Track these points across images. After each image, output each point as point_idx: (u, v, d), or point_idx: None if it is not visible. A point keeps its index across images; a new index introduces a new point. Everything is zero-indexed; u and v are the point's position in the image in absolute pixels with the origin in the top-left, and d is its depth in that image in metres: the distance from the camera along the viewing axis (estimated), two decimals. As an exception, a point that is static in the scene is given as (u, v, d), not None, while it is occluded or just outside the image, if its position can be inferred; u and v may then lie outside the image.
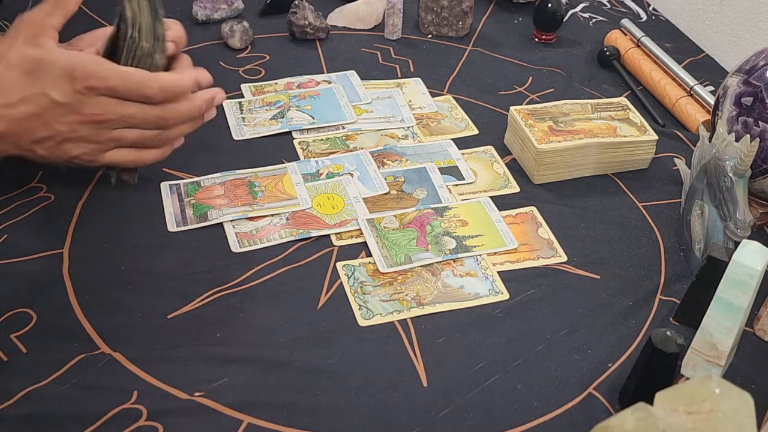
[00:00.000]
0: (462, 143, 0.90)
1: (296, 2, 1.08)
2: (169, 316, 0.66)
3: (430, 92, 0.99)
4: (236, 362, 0.63)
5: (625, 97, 0.99)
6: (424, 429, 0.59)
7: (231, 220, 0.76)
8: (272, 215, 0.77)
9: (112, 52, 0.62)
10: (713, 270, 0.65)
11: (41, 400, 0.59)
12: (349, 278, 0.71)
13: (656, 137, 0.86)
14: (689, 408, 0.54)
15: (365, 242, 0.75)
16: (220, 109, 0.93)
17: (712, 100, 0.95)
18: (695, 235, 0.76)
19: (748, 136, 0.70)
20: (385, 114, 0.94)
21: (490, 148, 0.90)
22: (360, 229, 0.76)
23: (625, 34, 1.12)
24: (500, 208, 0.80)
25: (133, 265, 0.71)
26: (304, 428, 0.59)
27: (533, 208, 0.81)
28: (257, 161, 0.85)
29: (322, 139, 0.89)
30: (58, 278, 0.69)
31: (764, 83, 0.75)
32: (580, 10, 1.24)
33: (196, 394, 0.60)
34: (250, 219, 0.77)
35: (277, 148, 0.87)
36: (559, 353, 0.66)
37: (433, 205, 0.80)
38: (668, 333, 0.59)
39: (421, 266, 0.73)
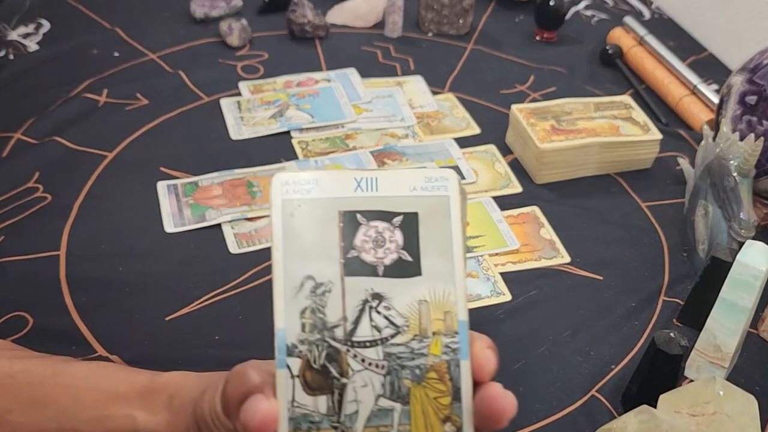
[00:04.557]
0: (463, 142, 0.90)
1: (295, 0, 1.07)
2: (167, 318, 0.66)
3: (431, 91, 0.98)
4: (235, 365, 0.62)
5: (628, 95, 0.99)
6: None
7: (229, 221, 0.75)
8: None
9: None
10: (717, 270, 0.64)
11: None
12: (348, 279, 0.71)
13: (660, 136, 0.85)
14: (693, 410, 0.54)
15: (365, 243, 0.74)
16: (218, 108, 0.92)
17: (715, 98, 0.94)
18: (699, 236, 0.75)
19: (752, 135, 0.70)
20: (385, 113, 0.93)
21: (492, 148, 0.89)
22: (360, 230, 0.75)
23: (628, 32, 1.11)
24: (502, 208, 0.80)
25: (131, 267, 0.70)
26: None
27: (535, 208, 0.81)
28: (256, 161, 0.84)
29: (321, 139, 0.88)
30: (54, 280, 0.68)
31: (768, 81, 0.74)
32: (583, 8, 1.23)
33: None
34: (249, 219, 0.76)
35: (276, 148, 0.87)
36: (562, 355, 0.66)
37: (433, 205, 0.79)
38: (672, 334, 0.59)
39: (422, 267, 0.72)
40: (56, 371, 0.44)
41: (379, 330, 0.34)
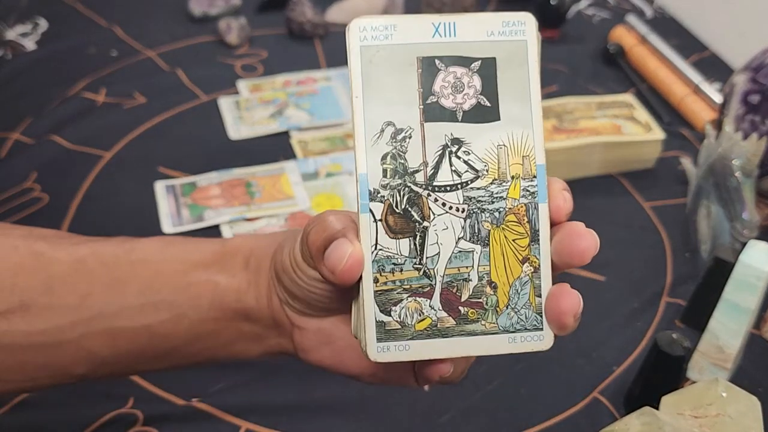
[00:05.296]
0: (463, 142, 0.89)
1: (295, -1, 1.06)
2: (165, 319, 0.65)
3: (431, 90, 0.98)
4: (234, 366, 0.62)
5: (630, 94, 0.98)
6: (425, 435, 0.58)
7: (228, 222, 0.75)
8: (270, 216, 0.76)
9: None
10: (720, 271, 0.64)
11: (36, 406, 0.57)
12: (348, 280, 0.70)
13: (662, 136, 0.85)
14: (695, 412, 0.53)
15: (365, 243, 0.74)
16: (217, 107, 0.92)
17: (718, 98, 0.94)
18: (702, 236, 0.74)
19: (755, 134, 0.69)
20: (385, 112, 0.93)
21: (492, 147, 0.89)
22: (360, 230, 0.75)
23: (630, 31, 1.11)
24: (502, 208, 0.79)
25: (129, 267, 0.70)
26: (302, 434, 0.58)
27: (536, 208, 0.80)
28: (255, 160, 0.83)
29: (320, 138, 0.88)
30: (52, 280, 0.68)
31: (772, 80, 0.74)
32: (584, 7, 1.23)
33: (194, 399, 0.59)
34: (248, 220, 0.75)
35: (275, 147, 0.86)
36: (563, 356, 0.65)
37: (434, 205, 0.79)
38: (674, 335, 0.58)
39: (422, 267, 0.72)
40: (126, 250, 0.42)
41: (458, 174, 0.34)
